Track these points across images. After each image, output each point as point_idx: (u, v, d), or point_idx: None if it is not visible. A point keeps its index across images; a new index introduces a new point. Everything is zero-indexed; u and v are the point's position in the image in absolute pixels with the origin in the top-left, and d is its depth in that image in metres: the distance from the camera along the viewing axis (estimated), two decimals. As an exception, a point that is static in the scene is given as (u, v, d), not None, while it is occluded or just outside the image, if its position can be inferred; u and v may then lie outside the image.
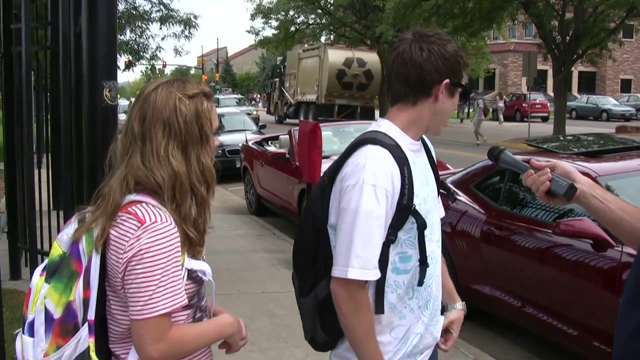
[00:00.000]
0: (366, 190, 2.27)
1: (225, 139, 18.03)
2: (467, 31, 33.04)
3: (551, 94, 43.34)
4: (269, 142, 14.27)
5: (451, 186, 7.19)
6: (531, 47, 39.74)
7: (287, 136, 11.96)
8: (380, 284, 2.37)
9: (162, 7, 27.44)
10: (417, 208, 2.39)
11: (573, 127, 31.22)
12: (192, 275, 2.17)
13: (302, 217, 2.60)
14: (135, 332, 2.06)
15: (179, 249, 2.09)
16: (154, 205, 2.10)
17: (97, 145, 2.88)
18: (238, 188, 15.17)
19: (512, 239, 6.02)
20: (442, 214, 2.74)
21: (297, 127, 9.84)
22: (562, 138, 9.12)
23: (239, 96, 54.14)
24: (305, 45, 43.49)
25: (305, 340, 2.64)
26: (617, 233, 2.16)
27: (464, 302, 2.88)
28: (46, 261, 2.25)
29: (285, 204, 11.41)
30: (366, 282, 2.33)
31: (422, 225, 2.40)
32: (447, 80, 2.40)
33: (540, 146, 6.99)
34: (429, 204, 2.49)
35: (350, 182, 2.31)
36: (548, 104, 44.92)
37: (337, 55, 38.28)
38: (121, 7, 26.07)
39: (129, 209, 2.09)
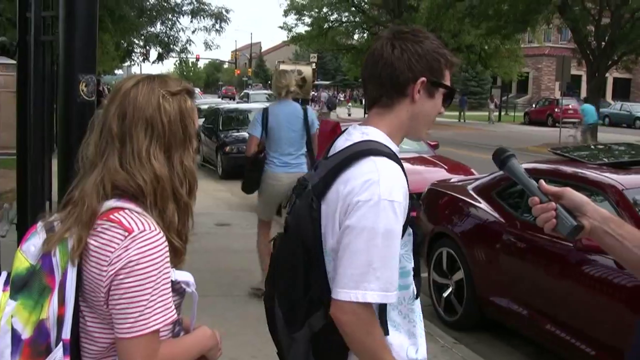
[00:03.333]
0: (384, 207, 2.05)
1: (251, 134, 17.86)
2: (500, 33, 32.81)
3: (584, 99, 42.88)
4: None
5: (473, 193, 6.97)
6: (566, 51, 39.25)
7: (310, 135, 11.72)
8: (382, 305, 2.17)
9: (193, 0, 27.40)
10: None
11: (605, 134, 30.75)
12: (175, 287, 1.99)
13: (284, 239, 2.34)
14: (124, 351, 1.88)
15: (169, 259, 1.92)
16: (138, 212, 1.93)
17: (72, 144, 2.68)
18: (261, 185, 14.97)
19: (533, 251, 5.79)
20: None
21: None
22: (592, 147, 8.85)
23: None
24: (277, 61, 61.04)
25: None
26: (636, 273, 1.94)
27: None
28: (4, 274, 2.02)
29: (305, 204, 11.16)
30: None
31: (416, 236, 2.24)
32: (423, 79, 2.20)
33: (567, 155, 6.73)
34: None
35: (362, 198, 2.06)
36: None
37: (284, 68, 54.21)
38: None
39: (111, 216, 1.90)
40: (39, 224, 2.05)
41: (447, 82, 2.27)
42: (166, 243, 1.91)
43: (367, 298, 2.05)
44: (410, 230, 2.19)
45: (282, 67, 61.15)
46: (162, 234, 1.92)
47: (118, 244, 1.85)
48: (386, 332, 2.18)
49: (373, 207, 2.05)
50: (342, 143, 2.27)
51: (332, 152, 2.30)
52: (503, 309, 6.09)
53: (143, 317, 1.84)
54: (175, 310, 1.93)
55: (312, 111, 7.22)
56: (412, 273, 2.26)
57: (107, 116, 2.00)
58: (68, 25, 2.61)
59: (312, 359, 2.22)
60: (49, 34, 4.65)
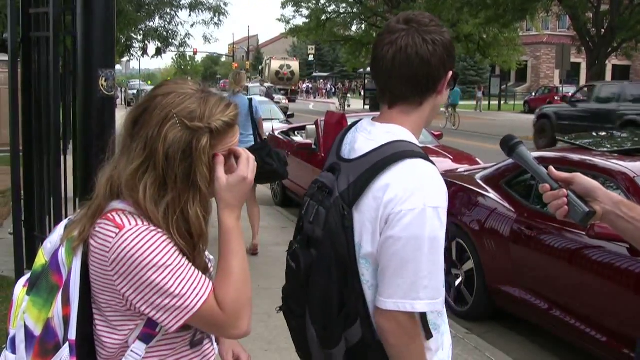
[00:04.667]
0: (429, 214, 1.96)
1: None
2: (499, 22, 32.75)
3: (584, 87, 42.86)
4: (296, 132, 14.04)
5: (481, 182, 6.95)
6: (565, 39, 39.17)
7: (314, 126, 11.75)
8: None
9: (191, -7, 27.33)
10: None
11: (606, 122, 30.68)
12: None
13: (308, 253, 2.16)
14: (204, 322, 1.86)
15: (173, 245, 1.81)
16: (138, 215, 1.82)
17: (91, 140, 2.64)
18: (264, 178, 14.95)
19: (543, 239, 5.77)
20: None
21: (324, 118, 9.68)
22: (595, 134, 8.82)
23: (269, 84, 54.19)
24: (267, 57, 74.82)
25: None
26: None
27: None
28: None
29: (310, 196, 11.23)
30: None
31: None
32: (451, 72, 2.13)
33: (574, 143, 6.71)
34: None
35: (406, 207, 1.97)
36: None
37: (275, 63, 69.91)
38: (151, -7, 26.03)
39: (109, 215, 1.82)
40: (63, 222, 2.02)
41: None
42: (165, 235, 1.80)
43: (415, 308, 1.99)
44: None
45: (273, 62, 70.49)
46: (157, 229, 1.81)
47: (111, 242, 1.77)
48: (430, 335, 2.12)
49: (418, 216, 1.96)
50: (363, 144, 2.14)
51: (351, 153, 2.17)
52: (513, 298, 6.08)
53: (183, 301, 1.78)
54: (209, 280, 1.85)
55: (256, 101, 9.38)
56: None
57: (129, 113, 1.91)
58: (86, 21, 2.56)
59: None
60: (43, 30, 4.63)
